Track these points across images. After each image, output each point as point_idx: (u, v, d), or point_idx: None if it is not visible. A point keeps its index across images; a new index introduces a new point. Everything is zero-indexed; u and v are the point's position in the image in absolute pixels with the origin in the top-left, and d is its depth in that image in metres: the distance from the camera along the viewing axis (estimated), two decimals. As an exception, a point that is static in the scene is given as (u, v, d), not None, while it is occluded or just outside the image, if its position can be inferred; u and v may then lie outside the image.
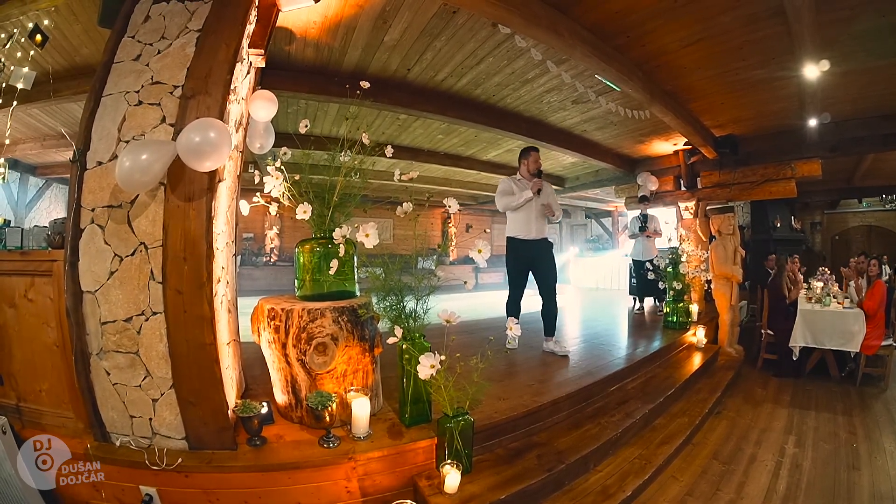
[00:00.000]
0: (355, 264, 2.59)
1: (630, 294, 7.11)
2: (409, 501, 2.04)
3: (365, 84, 2.59)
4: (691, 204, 6.83)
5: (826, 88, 4.14)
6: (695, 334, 5.09)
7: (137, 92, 2.24)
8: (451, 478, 2.06)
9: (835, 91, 4.27)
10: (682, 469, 2.85)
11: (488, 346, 2.07)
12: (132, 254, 2.14)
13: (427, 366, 2.05)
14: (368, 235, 2.25)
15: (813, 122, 4.96)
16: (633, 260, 6.77)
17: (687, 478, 2.75)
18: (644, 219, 6.64)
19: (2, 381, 2.41)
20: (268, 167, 2.44)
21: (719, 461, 2.96)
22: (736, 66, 3.90)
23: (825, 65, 3.53)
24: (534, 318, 4.12)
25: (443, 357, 2.11)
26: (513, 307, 4.09)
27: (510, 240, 4.10)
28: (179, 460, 2.04)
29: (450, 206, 2.27)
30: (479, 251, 2.15)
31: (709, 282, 5.71)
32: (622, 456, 2.78)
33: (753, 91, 4.44)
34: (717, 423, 3.59)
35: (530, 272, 4.05)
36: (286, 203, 2.47)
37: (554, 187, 4.47)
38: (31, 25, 3.13)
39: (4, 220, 3.78)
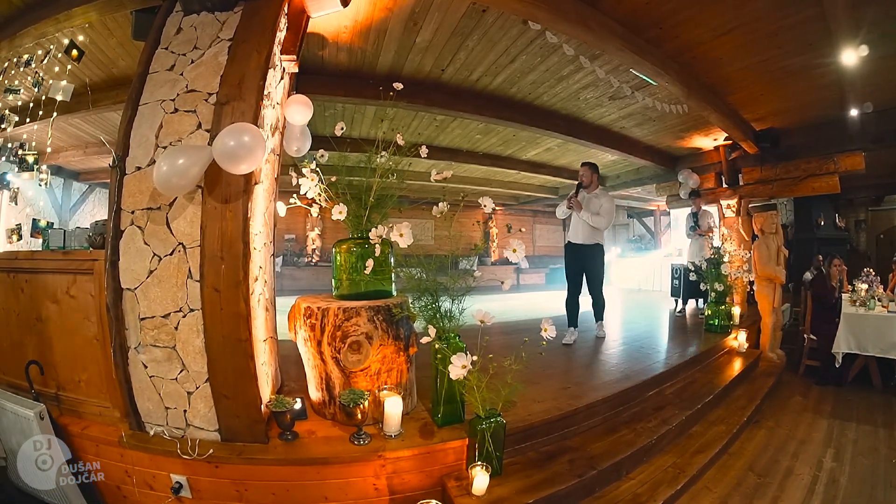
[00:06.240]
0: (391, 264, 2.61)
1: (672, 295, 6.94)
2: (434, 501, 2.02)
3: (398, 86, 2.61)
4: (733, 202, 6.60)
5: (866, 75, 3.93)
6: (736, 338, 4.92)
7: (173, 100, 2.32)
8: (479, 479, 2.05)
9: (875, 77, 4.05)
10: (717, 480, 2.74)
11: (522, 347, 2.04)
12: (171, 253, 2.22)
13: (458, 366, 2.04)
14: (403, 235, 2.26)
15: (854, 113, 4.74)
16: (689, 262, 6.37)
17: (720, 489, 2.64)
18: (695, 216, 6.42)
19: (42, 370, 2.52)
20: (303, 169, 2.48)
21: (755, 473, 2.84)
22: (772, 54, 3.75)
23: (864, 49, 3.37)
24: (583, 318, 4.65)
25: (475, 357, 2.09)
26: (569, 305, 4.63)
27: (566, 244, 4.76)
28: (211, 451, 2.10)
29: (485, 206, 2.26)
30: (514, 251, 2.13)
31: (751, 283, 5.48)
32: (656, 464, 2.70)
33: (792, 80, 4.28)
34: (755, 433, 3.45)
35: (584, 274, 4.57)
36: (323, 204, 2.52)
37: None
38: (66, 41, 3.28)
39: (48, 222, 3.98)
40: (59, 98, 3.57)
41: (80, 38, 3.34)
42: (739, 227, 6.47)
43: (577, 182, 4.61)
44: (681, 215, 8.93)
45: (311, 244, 11.86)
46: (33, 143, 4.87)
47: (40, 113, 4.00)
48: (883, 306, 4.66)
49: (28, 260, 2.68)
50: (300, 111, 2.77)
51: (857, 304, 4.76)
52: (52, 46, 3.42)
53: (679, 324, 5.99)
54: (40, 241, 3.42)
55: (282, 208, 2.76)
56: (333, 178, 2.55)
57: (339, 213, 2.44)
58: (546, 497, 2.12)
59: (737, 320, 5.30)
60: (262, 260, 2.53)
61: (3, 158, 4.65)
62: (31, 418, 2.23)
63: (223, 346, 2.17)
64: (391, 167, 2.52)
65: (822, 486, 2.69)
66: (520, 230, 14.06)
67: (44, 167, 4.89)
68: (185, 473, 2.11)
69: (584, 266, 4.58)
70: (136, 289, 2.24)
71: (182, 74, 2.35)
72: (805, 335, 5.09)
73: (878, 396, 4.29)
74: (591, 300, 4.68)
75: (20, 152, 4.72)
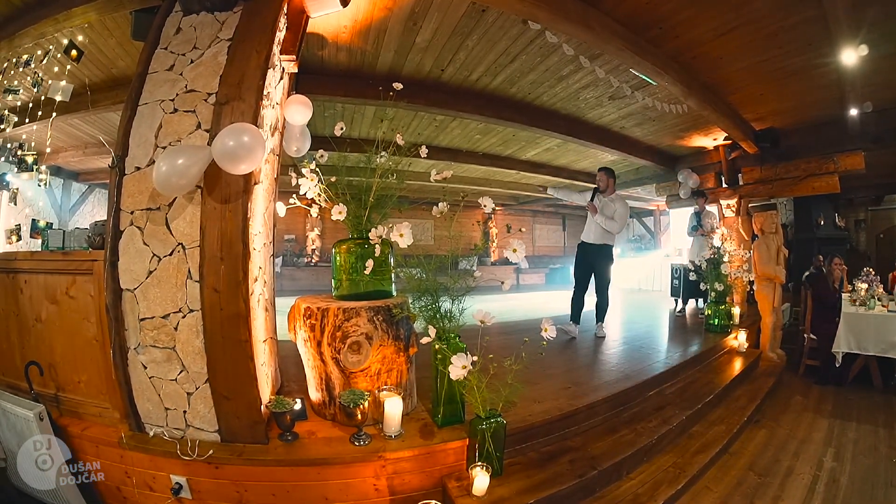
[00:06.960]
0: (391, 264, 2.60)
1: (672, 295, 6.93)
2: (435, 502, 2.02)
3: (398, 86, 2.60)
4: (733, 201, 6.62)
5: (866, 74, 3.95)
6: (736, 338, 4.92)
7: (172, 100, 2.31)
8: (480, 480, 2.04)
9: (875, 77, 4.05)
10: (717, 479, 2.74)
11: (523, 347, 2.04)
12: (170, 254, 2.21)
13: (459, 366, 2.04)
14: (402, 235, 2.25)
15: (854, 112, 4.74)
16: (689, 261, 6.43)
17: (721, 489, 2.64)
18: (698, 216, 6.41)
19: (42, 371, 2.52)
20: (302, 169, 2.48)
21: (755, 473, 2.84)
22: (772, 54, 3.76)
23: (864, 49, 3.38)
24: (584, 318, 4.91)
25: (475, 358, 2.09)
26: (574, 302, 4.85)
27: (579, 243, 4.95)
28: (210, 452, 2.09)
29: (485, 206, 2.26)
30: (514, 251, 2.12)
31: (751, 283, 5.47)
32: (657, 464, 2.69)
33: (792, 80, 4.28)
34: (755, 433, 3.45)
35: (592, 272, 4.80)
36: (322, 205, 2.51)
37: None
38: (65, 42, 3.28)
39: (47, 223, 3.98)
40: (58, 98, 3.58)
41: (80, 38, 3.33)
42: (739, 226, 6.46)
43: (595, 187, 4.88)
44: (681, 215, 8.93)
45: (310, 244, 11.83)
46: (32, 144, 4.87)
47: (39, 113, 4.01)
48: (883, 306, 4.66)
49: (27, 260, 2.67)
50: (300, 111, 2.76)
51: (857, 303, 4.76)
52: (51, 47, 3.42)
53: (679, 324, 5.99)
54: (39, 241, 3.43)
55: (281, 208, 2.75)
56: (333, 179, 2.54)
57: (339, 213, 2.44)
58: (547, 497, 2.12)
59: (737, 320, 5.29)
60: (261, 260, 2.53)
61: (3, 159, 4.66)
62: (30, 419, 2.23)
63: (223, 347, 2.16)
64: (391, 167, 2.51)
65: (823, 486, 2.69)
66: (520, 230, 14.07)
67: (43, 167, 4.90)
68: (185, 474, 2.10)
69: (592, 264, 4.80)
70: (135, 289, 2.23)
71: (181, 74, 2.34)
72: (805, 335, 5.09)
73: (879, 396, 4.30)
74: (595, 299, 4.85)
75: (19, 152, 4.74)
